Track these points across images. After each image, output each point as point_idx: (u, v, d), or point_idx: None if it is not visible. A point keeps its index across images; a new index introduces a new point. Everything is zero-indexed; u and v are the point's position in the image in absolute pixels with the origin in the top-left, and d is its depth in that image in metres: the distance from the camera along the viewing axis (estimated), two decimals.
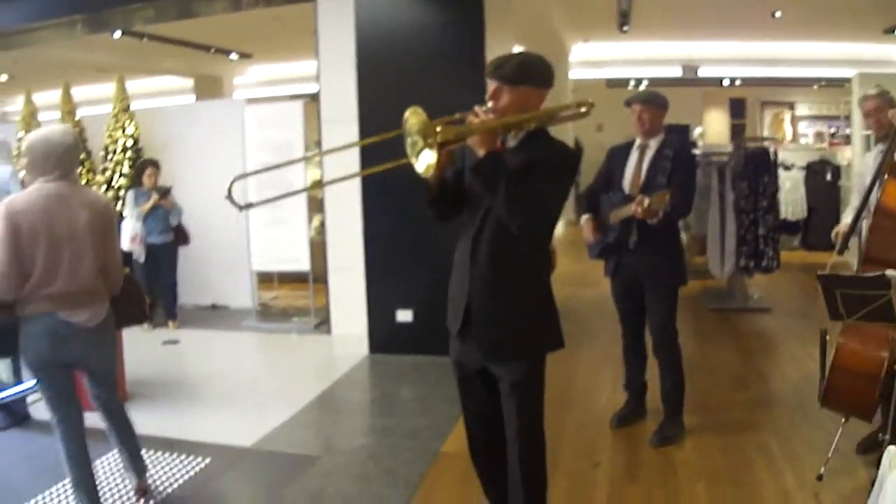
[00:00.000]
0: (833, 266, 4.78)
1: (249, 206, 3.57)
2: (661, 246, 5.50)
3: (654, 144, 5.63)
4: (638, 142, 5.71)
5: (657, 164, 5.51)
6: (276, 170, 5.03)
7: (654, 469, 5.18)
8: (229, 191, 3.42)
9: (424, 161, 3.18)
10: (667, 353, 5.67)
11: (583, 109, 3.62)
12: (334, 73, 8.59)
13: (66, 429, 4.57)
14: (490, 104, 3.48)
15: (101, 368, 4.77)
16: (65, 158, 4.47)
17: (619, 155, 5.83)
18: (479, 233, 3.54)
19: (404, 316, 8.32)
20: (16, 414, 6.54)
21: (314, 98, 9.03)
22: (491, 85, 3.52)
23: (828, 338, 4.87)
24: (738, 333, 8.72)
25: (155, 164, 9.97)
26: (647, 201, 5.11)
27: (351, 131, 8.23)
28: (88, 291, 4.52)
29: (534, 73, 3.51)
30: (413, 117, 3.18)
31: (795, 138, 23.22)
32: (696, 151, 11.77)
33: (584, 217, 5.85)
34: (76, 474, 4.60)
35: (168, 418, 6.65)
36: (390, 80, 8.01)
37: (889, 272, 4.21)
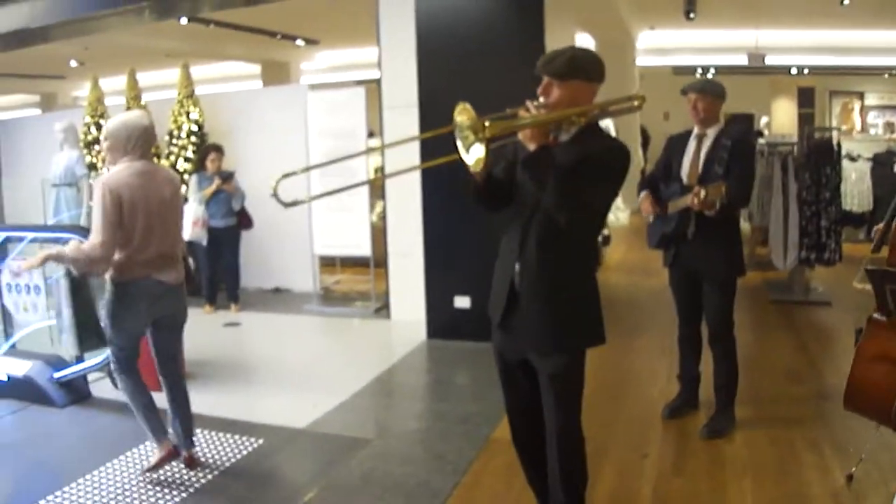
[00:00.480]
0: (872, 262, 4.65)
1: (295, 203, 3.66)
2: (719, 237, 5.45)
3: (711, 134, 5.57)
4: (696, 131, 5.67)
5: (714, 154, 5.46)
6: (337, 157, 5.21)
7: (703, 462, 5.14)
8: (275, 189, 3.53)
9: (474, 155, 3.22)
10: (722, 345, 5.63)
11: (635, 103, 3.62)
12: (395, 59, 8.65)
13: (133, 379, 5.15)
14: (542, 99, 3.50)
15: (181, 321, 5.34)
16: (144, 139, 4.99)
17: (677, 144, 5.80)
18: (527, 226, 3.56)
19: (462, 302, 8.36)
20: (77, 391, 6.69)
21: (377, 84, 9.08)
22: (542, 80, 3.55)
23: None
24: (796, 326, 8.60)
25: (218, 149, 10.09)
26: (703, 192, 5.09)
27: (411, 117, 8.29)
28: (173, 255, 5.16)
29: (584, 67, 3.51)
30: (462, 115, 3.22)
31: (864, 128, 22.91)
32: (761, 141, 11.68)
33: (642, 194, 5.85)
34: (143, 401, 5.14)
35: (225, 399, 6.77)
36: (450, 67, 8.04)
37: None
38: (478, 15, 8.05)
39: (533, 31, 7.86)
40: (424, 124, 8.05)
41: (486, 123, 3.18)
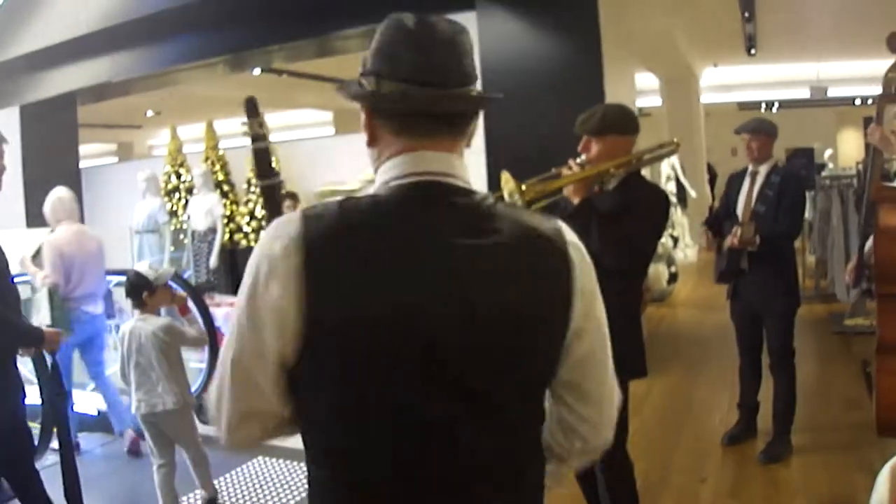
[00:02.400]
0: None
1: None
2: (774, 270, 5.70)
3: (763, 170, 5.85)
4: (750, 168, 5.94)
5: (762, 192, 5.76)
6: None
7: (758, 486, 5.33)
8: None
9: None
10: (782, 374, 5.83)
11: (667, 149, 3.95)
12: None
13: None
14: (583, 156, 3.83)
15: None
16: (74, 207, 7.09)
17: (735, 181, 6.09)
18: None
19: None
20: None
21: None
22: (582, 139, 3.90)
23: (869, 370, 4.84)
24: (857, 356, 8.56)
25: (293, 197, 10.38)
26: (739, 231, 5.43)
27: (479, 161, 8.52)
28: (98, 293, 7.09)
29: (616, 122, 3.87)
30: (506, 185, 3.58)
31: None
32: (823, 174, 11.80)
33: (701, 230, 6.19)
34: None
35: None
36: (514, 111, 8.23)
37: None
38: (538, 59, 8.22)
39: (591, 71, 8.08)
40: (492, 168, 8.29)
41: (523, 188, 3.52)
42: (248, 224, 11.72)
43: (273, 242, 1.63)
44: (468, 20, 8.27)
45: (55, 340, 4.67)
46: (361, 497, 1.68)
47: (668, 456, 5.92)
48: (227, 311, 7.16)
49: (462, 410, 1.63)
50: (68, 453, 4.81)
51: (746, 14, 12.94)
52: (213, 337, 6.50)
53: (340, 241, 1.62)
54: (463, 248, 1.65)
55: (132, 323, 5.24)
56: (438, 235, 1.66)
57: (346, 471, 1.68)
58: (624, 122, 3.90)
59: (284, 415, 1.73)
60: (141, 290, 5.27)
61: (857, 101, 21.22)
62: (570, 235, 1.86)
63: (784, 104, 20.21)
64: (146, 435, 5.28)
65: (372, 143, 1.89)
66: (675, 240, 13.79)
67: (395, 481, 1.64)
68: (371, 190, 1.82)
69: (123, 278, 6.03)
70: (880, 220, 4.76)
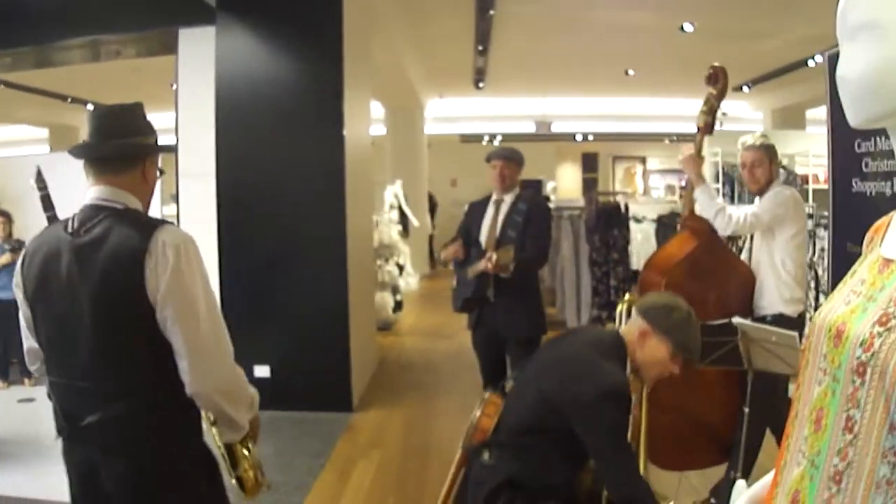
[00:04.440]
0: None
1: None
2: (520, 297, 5.69)
3: (508, 199, 5.84)
4: (494, 197, 5.91)
5: (510, 218, 5.72)
6: None
7: None
8: None
9: None
10: None
11: None
12: (193, 126, 8.50)
13: None
14: None
15: None
16: None
17: (476, 210, 6.03)
18: None
19: (261, 371, 8.21)
20: None
21: (171, 151, 8.92)
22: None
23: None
24: None
25: (5, 214, 9.75)
26: (494, 256, 5.34)
27: (209, 186, 8.17)
28: None
29: None
30: None
31: (647, 191, 23.93)
32: (550, 205, 12.13)
33: (451, 247, 6.01)
34: None
35: (25, 478, 6.48)
36: (249, 135, 7.98)
37: (735, 319, 4.36)
38: (278, 85, 7.98)
39: (332, 97, 7.92)
40: (221, 192, 7.97)
41: None
42: None
43: None
44: (207, 35, 7.98)
45: None
46: None
47: (421, 490, 5.75)
48: None
49: None
50: None
51: (481, 47, 13.14)
52: None
53: None
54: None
55: None
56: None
57: None
58: None
59: None
60: None
61: (578, 137, 22.07)
62: None
63: (507, 137, 20.68)
64: None
65: None
66: (401, 268, 13.86)
67: None
68: None
69: None
70: (653, 255, 4.87)
